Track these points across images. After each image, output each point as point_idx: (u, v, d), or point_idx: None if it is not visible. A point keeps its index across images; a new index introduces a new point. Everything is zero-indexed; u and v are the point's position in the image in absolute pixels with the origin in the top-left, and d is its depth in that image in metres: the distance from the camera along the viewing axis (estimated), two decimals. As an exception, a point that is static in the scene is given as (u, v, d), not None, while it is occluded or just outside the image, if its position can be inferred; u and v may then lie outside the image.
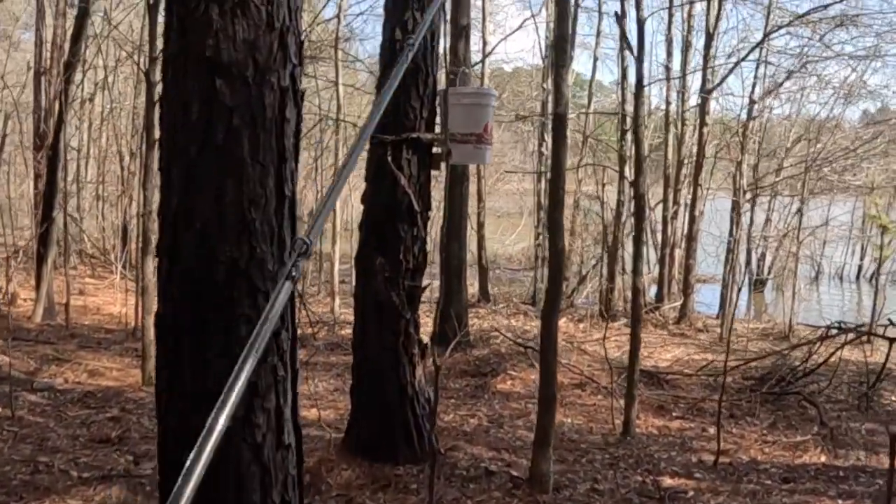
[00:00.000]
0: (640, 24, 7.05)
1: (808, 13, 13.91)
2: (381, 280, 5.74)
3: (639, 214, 7.27)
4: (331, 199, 2.03)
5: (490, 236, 25.65)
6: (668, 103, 17.85)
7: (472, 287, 20.37)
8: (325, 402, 8.45)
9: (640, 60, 6.79)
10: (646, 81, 6.99)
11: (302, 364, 10.40)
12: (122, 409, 7.86)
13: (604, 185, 18.14)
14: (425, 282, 6.05)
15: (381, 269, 5.74)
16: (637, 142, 7.21)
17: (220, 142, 2.72)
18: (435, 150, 5.87)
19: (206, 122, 2.71)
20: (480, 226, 20.24)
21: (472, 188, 23.13)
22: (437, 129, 5.86)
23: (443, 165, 5.97)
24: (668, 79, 17.43)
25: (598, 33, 19.89)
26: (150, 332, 8.29)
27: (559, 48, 5.18)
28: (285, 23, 2.78)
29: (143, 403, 7.93)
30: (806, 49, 16.46)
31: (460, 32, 10.81)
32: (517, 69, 28.88)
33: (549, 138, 19.95)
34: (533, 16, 21.99)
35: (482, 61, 17.21)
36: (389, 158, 5.69)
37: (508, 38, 22.03)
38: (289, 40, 2.78)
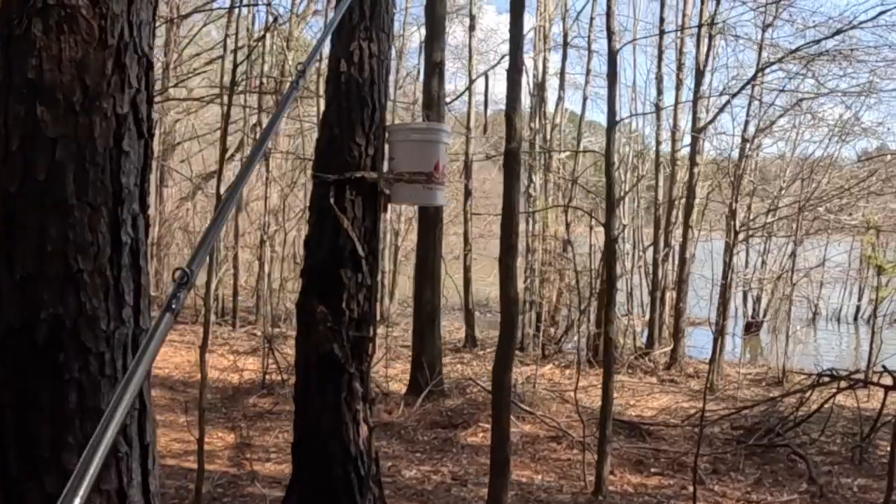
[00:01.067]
0: (612, 55, 6.64)
1: (799, 49, 13.54)
2: (323, 330, 5.30)
3: (609, 260, 6.86)
4: (216, 224, 1.89)
5: (483, 279, 25.20)
6: (658, 142, 17.53)
7: (460, 332, 19.94)
8: (282, 455, 8.03)
9: (611, 93, 6.38)
10: (628, 118, 6.62)
11: (265, 413, 9.98)
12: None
13: (591, 228, 17.70)
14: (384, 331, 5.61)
15: (323, 318, 5.30)
16: (609, 183, 6.77)
17: (42, 178, 2.29)
18: (385, 190, 5.46)
19: (26, 155, 2.28)
20: (467, 269, 19.82)
21: (459, 230, 22.80)
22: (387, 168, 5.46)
23: (392, 206, 5.55)
24: (657, 117, 17.08)
25: (588, 72, 19.61)
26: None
27: (511, 78, 4.75)
28: (123, 39, 2.36)
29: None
30: (799, 85, 16.11)
31: (433, 69, 10.44)
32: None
33: (535, 178, 19.66)
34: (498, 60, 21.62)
35: (457, 98, 16.83)
36: (332, 200, 5.27)
37: (489, 76, 21.55)
38: (127, 60, 2.36)
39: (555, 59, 26.44)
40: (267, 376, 11.37)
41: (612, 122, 6.38)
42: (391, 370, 13.01)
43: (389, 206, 5.60)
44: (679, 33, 16.66)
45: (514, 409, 10.05)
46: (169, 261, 26.85)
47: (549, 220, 19.07)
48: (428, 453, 8.39)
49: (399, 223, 23.73)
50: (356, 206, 5.32)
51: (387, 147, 5.48)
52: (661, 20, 17.29)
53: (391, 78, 7.03)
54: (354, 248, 5.27)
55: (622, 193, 15.72)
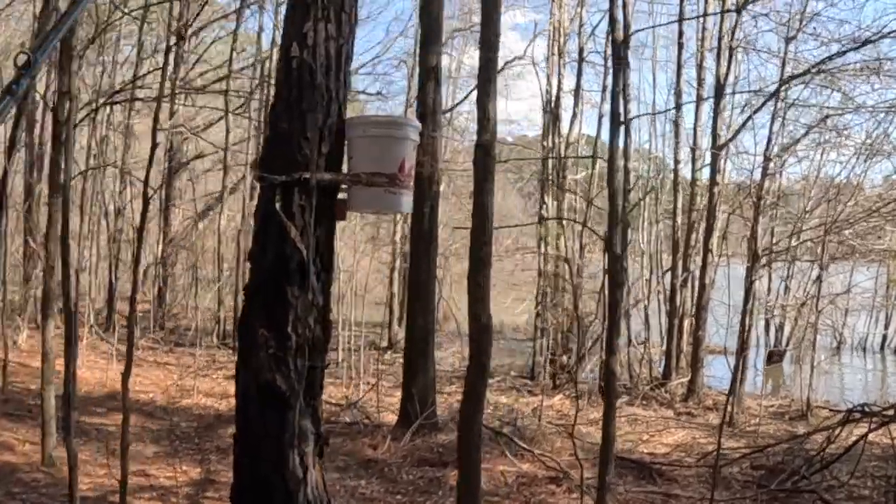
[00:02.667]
0: (619, 40, 5.82)
1: (824, 60, 12.68)
2: (264, 358, 4.49)
3: (612, 281, 6.01)
4: (64, 24, 1.84)
5: (500, 303, 24.41)
6: (676, 162, 16.70)
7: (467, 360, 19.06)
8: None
9: (618, 82, 5.54)
10: (638, 117, 5.82)
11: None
12: (6, 493, 6.77)
13: (605, 251, 16.82)
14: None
15: (265, 343, 4.49)
16: (612, 191, 5.95)
17: None
18: (341, 195, 4.66)
19: None
20: (477, 293, 18.91)
21: (465, 251, 22.03)
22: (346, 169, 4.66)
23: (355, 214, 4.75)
24: (676, 134, 16.26)
25: (605, 89, 18.83)
26: (51, 403, 7.16)
27: (484, 56, 3.95)
28: None
29: (36, 486, 6.82)
30: (825, 101, 15.25)
31: (429, 75, 9.67)
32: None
33: (548, 199, 18.85)
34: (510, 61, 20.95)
35: (456, 106, 16.08)
36: (278, 205, 4.48)
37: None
38: None
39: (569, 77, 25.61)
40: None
41: (619, 119, 5.58)
42: (390, 398, 12.23)
43: (357, 216, 4.80)
44: (699, 46, 15.85)
45: (510, 447, 9.23)
46: (174, 281, 26.17)
47: (561, 243, 18.23)
48: (410, 495, 7.59)
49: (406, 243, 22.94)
50: (306, 213, 4.52)
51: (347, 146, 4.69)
52: (680, 33, 16.50)
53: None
54: (303, 262, 4.48)
55: (630, 206, 14.83)
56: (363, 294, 18.99)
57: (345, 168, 4.69)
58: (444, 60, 12.29)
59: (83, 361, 14.58)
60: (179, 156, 25.57)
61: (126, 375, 4.97)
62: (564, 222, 18.76)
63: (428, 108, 9.56)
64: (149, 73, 16.71)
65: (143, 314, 21.79)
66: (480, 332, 4.11)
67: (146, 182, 6.95)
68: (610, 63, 18.59)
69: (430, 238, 10.01)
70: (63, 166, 6.96)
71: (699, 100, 16.75)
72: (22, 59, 1.47)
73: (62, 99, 7.38)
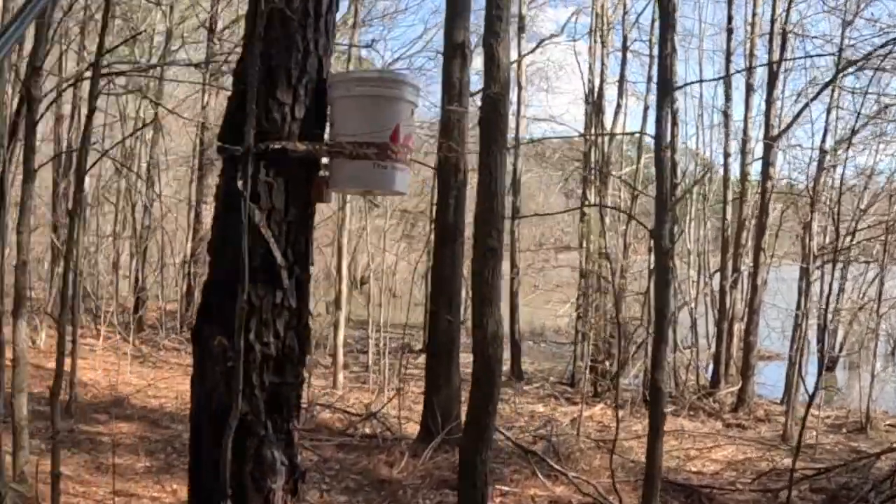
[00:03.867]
0: None
1: (885, 45, 11.58)
2: (221, 372, 3.60)
3: (660, 280, 5.05)
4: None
5: (542, 307, 23.45)
6: (726, 155, 15.62)
7: (504, 365, 18.14)
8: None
9: (665, 44, 4.58)
10: (688, 85, 4.97)
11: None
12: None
13: (651, 250, 15.78)
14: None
15: (222, 354, 3.61)
16: (660, 174, 4.99)
17: None
18: (322, 173, 3.76)
19: None
20: (514, 294, 18.08)
21: (504, 251, 21.16)
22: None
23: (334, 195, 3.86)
24: (726, 125, 15.20)
25: (650, 79, 17.83)
26: (23, 413, 6.37)
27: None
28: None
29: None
30: (885, 90, 14.14)
31: (455, 52, 8.74)
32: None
33: (591, 195, 17.84)
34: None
35: (483, 90, 15.08)
36: (240, 183, 3.59)
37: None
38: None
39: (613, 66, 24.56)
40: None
41: (668, 86, 4.63)
42: (418, 406, 11.32)
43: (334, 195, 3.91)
44: (749, 32, 14.79)
45: (542, 467, 8.30)
46: (200, 281, 25.46)
47: (604, 239, 17.23)
48: (423, 525, 6.66)
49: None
50: (275, 192, 3.63)
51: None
52: (729, 18, 15.42)
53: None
54: (270, 254, 3.58)
55: (678, 196, 13.77)
56: (399, 295, 18.19)
57: (329, 139, 3.78)
58: (474, 39, 11.45)
59: (99, 363, 14.00)
60: (210, 152, 24.85)
61: (59, 362, 4.07)
62: (607, 219, 17.78)
63: (454, 88, 8.66)
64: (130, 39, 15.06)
65: (170, 314, 21.11)
66: (488, 344, 3.22)
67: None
68: (655, 52, 17.64)
69: (455, 232, 9.10)
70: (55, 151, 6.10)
71: (749, 90, 15.68)
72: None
73: (35, 74, 6.56)
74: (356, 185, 3.68)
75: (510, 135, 21.55)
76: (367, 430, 10.14)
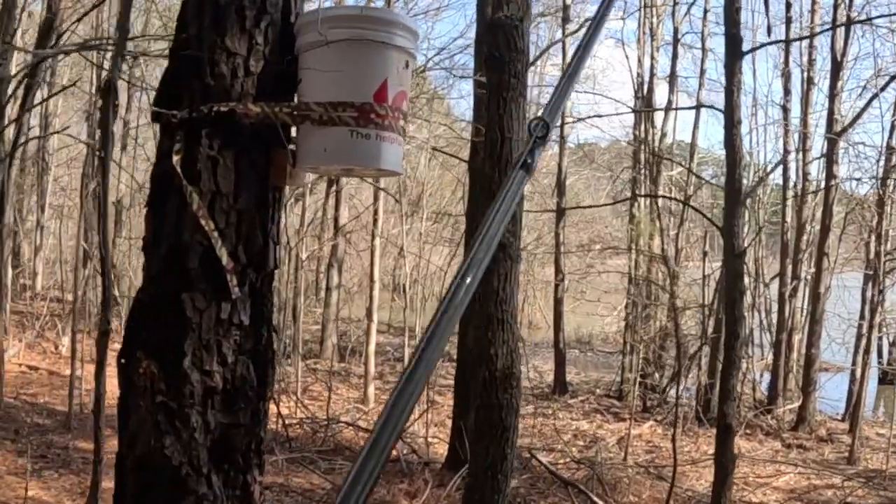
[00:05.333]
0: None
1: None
2: (148, 409, 2.71)
3: (731, 287, 4.05)
4: (569, 76, 1.68)
5: (591, 314, 22.46)
6: (785, 152, 14.51)
7: (548, 376, 17.17)
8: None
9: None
10: (760, 48, 4.15)
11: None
12: None
13: (706, 255, 14.73)
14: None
15: (149, 388, 2.71)
16: (732, 159, 4.01)
17: None
18: (292, 147, 2.82)
19: None
20: (558, 301, 17.10)
21: (548, 255, 20.13)
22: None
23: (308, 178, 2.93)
24: (785, 119, 14.10)
25: (702, 73, 16.77)
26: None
27: None
28: None
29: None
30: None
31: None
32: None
33: (642, 199, 16.80)
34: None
35: (537, 59, 14.15)
36: (175, 158, 2.69)
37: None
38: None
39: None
40: (272, 430, 8.82)
41: (738, 46, 3.67)
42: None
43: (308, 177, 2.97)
44: (810, 20, 13.71)
45: (583, 501, 7.32)
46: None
47: (655, 243, 16.20)
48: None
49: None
50: (221, 171, 2.74)
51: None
52: (788, 5, 14.32)
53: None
54: (209, 252, 2.66)
55: (751, 186, 12.61)
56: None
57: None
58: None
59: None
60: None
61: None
62: (660, 222, 16.73)
63: (481, 68, 7.72)
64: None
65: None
66: (497, 386, 2.29)
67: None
68: (708, 44, 16.60)
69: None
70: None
71: (809, 82, 14.59)
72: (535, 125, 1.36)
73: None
74: (328, 160, 2.74)
75: (552, 134, 20.63)
76: (394, 451, 9.22)
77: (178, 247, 2.70)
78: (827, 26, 13.55)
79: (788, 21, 14.62)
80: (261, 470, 3.00)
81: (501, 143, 3.36)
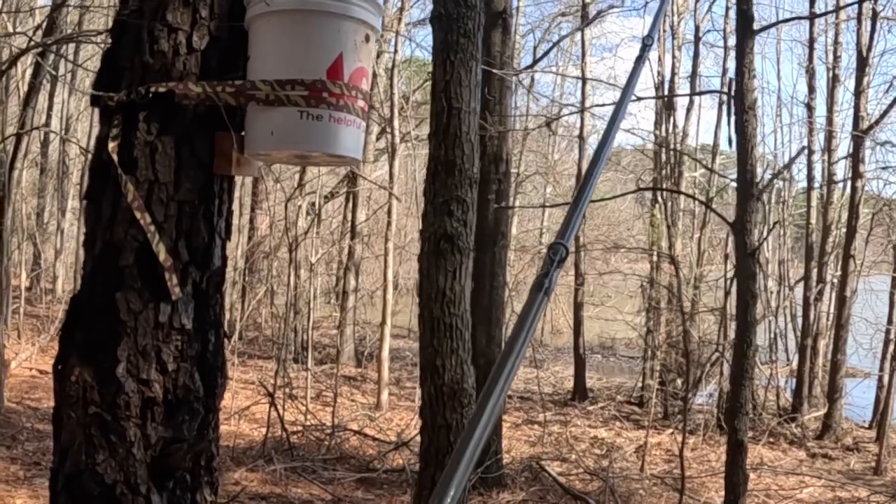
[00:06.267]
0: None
1: None
2: (81, 421, 2.46)
3: (744, 291, 3.76)
4: (583, 198, 1.63)
5: (615, 317, 22.20)
6: (810, 151, 14.13)
7: (568, 382, 16.84)
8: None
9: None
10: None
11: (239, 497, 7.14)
12: None
13: (727, 257, 14.36)
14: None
15: (82, 398, 2.45)
16: (743, 142, 3.70)
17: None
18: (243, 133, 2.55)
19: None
20: (578, 305, 16.79)
21: (569, 258, 19.87)
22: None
23: (254, 167, 2.66)
24: (809, 116, 13.74)
25: (725, 72, 16.41)
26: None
27: None
28: None
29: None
30: None
31: (495, 20, 7.54)
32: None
33: (660, 199, 16.44)
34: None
35: (538, 61, 13.93)
36: (111, 145, 2.44)
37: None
38: None
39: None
40: (276, 437, 8.58)
41: (750, 24, 3.37)
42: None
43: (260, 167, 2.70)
44: (835, 17, 13.34)
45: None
46: (252, 289, 24.69)
47: (676, 244, 15.85)
48: None
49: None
50: (159, 158, 2.48)
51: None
52: (812, 1, 13.96)
53: None
54: (148, 247, 2.39)
55: (765, 185, 12.21)
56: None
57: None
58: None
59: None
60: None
61: None
62: (680, 225, 16.39)
63: (494, 61, 7.46)
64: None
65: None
66: (443, 401, 1.97)
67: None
68: (731, 43, 16.23)
69: (494, 236, 7.86)
70: None
71: (835, 80, 14.22)
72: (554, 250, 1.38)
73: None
74: (276, 144, 2.46)
75: (573, 130, 20.31)
76: (401, 461, 8.92)
77: (111, 242, 2.44)
78: (852, 14, 13.19)
79: (812, 17, 14.25)
80: (213, 489, 2.73)
81: (448, 115, 3.08)
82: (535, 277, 1.37)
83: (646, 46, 2.16)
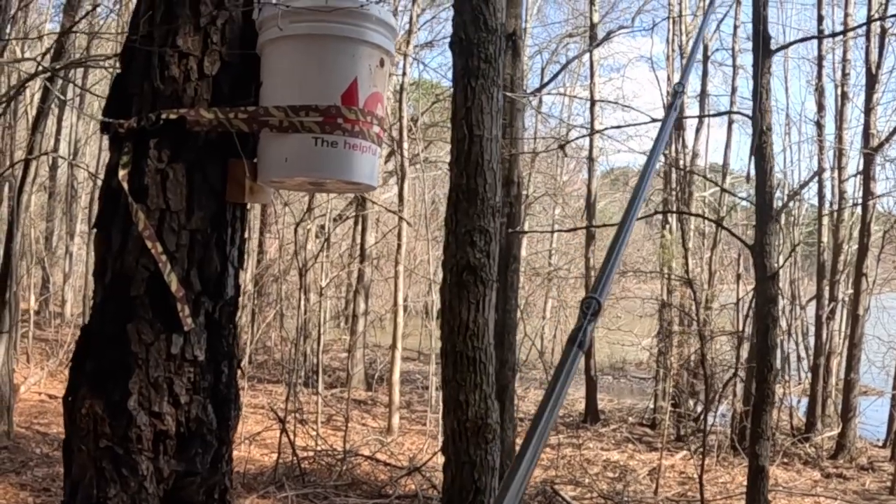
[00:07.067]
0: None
1: None
2: (92, 455, 2.40)
3: (764, 309, 3.69)
4: (617, 253, 1.67)
5: (623, 343, 22.14)
6: (820, 169, 14.07)
7: (580, 404, 16.72)
8: None
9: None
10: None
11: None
12: None
13: (739, 277, 14.29)
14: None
15: (93, 430, 2.40)
16: (761, 161, 3.66)
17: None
18: (255, 160, 2.50)
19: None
20: (589, 328, 16.58)
21: (580, 280, 19.71)
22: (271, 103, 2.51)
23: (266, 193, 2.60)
24: (819, 135, 13.68)
25: (734, 90, 16.39)
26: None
27: None
28: None
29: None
30: None
31: (505, 43, 7.47)
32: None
33: (672, 219, 16.37)
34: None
35: (550, 82, 13.90)
36: (122, 173, 2.39)
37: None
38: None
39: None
40: (287, 462, 8.50)
41: (767, 45, 3.32)
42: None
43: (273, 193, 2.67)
44: (843, 35, 13.28)
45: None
46: (261, 312, 24.63)
47: (685, 265, 15.76)
48: None
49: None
50: (171, 186, 2.43)
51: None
52: (820, 18, 13.92)
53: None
54: (159, 277, 2.34)
55: (783, 204, 12.15)
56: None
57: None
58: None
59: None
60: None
61: None
62: (691, 245, 16.29)
63: (505, 84, 7.41)
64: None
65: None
66: (467, 437, 1.92)
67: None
68: (739, 61, 16.19)
69: (506, 260, 7.81)
70: None
71: (844, 97, 14.16)
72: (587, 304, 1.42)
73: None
74: (290, 171, 2.41)
75: (582, 151, 20.23)
76: (413, 486, 8.84)
77: (122, 272, 2.39)
78: (861, 32, 13.14)
79: (820, 19, 14.21)
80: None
81: (470, 142, 3.04)
82: (570, 332, 1.40)
83: (677, 94, 2.14)
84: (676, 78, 16.52)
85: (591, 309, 1.42)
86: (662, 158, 16.84)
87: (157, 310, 2.37)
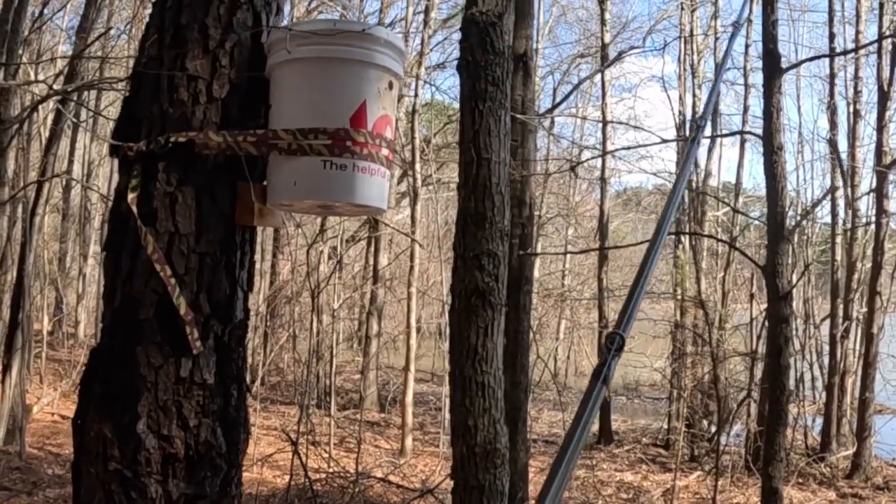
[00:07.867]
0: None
1: None
2: (99, 479, 2.39)
3: (776, 330, 3.67)
4: (640, 288, 1.73)
5: (636, 358, 22.02)
6: (833, 187, 14.02)
7: (594, 424, 16.64)
8: None
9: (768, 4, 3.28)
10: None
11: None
12: None
13: (752, 296, 14.23)
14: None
15: (102, 453, 2.39)
16: (773, 182, 3.65)
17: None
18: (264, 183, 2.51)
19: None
20: (602, 348, 16.55)
21: (593, 301, 19.67)
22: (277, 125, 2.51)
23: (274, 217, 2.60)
24: (832, 153, 13.64)
25: (746, 110, 16.37)
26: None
27: None
28: None
29: None
30: None
31: (516, 64, 7.49)
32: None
33: (685, 239, 16.34)
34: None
35: (562, 102, 13.88)
36: (131, 196, 2.39)
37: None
38: None
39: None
40: (299, 485, 8.48)
41: (777, 63, 3.31)
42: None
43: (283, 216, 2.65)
44: (855, 53, 13.27)
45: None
46: (273, 333, 24.63)
47: (698, 287, 15.71)
48: None
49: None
50: (179, 209, 2.42)
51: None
52: (831, 36, 13.91)
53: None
54: (168, 300, 2.34)
55: (796, 223, 12.12)
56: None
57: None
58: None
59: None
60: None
61: None
62: (704, 265, 16.25)
63: (516, 105, 7.42)
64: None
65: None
66: (476, 462, 1.92)
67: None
68: (751, 80, 16.18)
69: (519, 282, 7.76)
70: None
71: (856, 115, 14.13)
72: (611, 340, 1.45)
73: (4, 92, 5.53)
74: (299, 194, 2.41)
75: (594, 171, 20.23)
76: (425, 509, 8.81)
77: (131, 295, 2.39)
78: (872, 49, 13.14)
79: (832, 37, 14.20)
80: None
81: (478, 165, 3.03)
82: (595, 367, 1.44)
83: (699, 128, 2.15)
84: (688, 97, 16.53)
85: (615, 344, 1.47)
86: (675, 178, 16.82)
87: (166, 333, 2.37)
